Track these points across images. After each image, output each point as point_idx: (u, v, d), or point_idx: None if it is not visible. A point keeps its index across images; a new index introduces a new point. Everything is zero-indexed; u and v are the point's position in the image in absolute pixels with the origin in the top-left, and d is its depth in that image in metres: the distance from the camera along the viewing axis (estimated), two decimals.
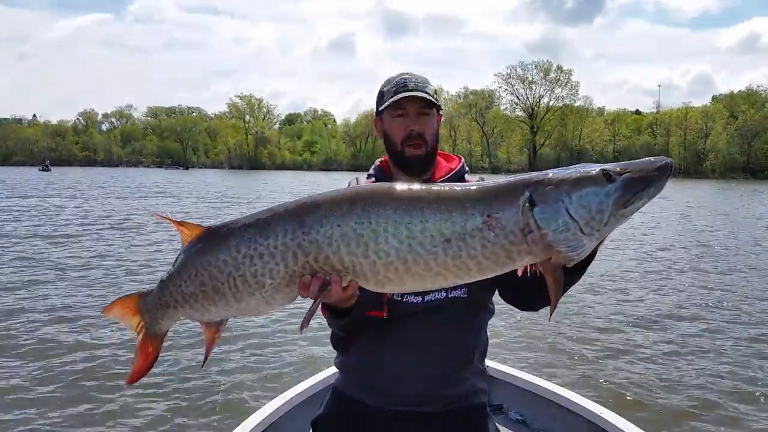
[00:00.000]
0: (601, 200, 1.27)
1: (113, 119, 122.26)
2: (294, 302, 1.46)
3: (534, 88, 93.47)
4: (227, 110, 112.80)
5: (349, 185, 1.84)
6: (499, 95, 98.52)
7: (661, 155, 1.35)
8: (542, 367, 6.06)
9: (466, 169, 2.03)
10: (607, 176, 1.28)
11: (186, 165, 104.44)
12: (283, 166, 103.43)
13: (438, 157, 2.00)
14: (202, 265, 1.45)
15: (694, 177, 74.81)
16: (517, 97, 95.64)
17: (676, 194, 36.79)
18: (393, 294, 1.78)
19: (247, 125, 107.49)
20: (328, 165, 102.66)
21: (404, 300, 1.83)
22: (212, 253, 1.44)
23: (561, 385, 3.27)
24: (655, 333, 7.39)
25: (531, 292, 1.69)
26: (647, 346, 6.86)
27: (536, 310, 1.85)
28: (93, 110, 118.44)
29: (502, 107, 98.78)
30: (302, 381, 3.38)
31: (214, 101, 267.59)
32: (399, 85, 1.88)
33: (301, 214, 1.39)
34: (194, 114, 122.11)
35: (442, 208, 1.32)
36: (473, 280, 1.40)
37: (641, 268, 11.79)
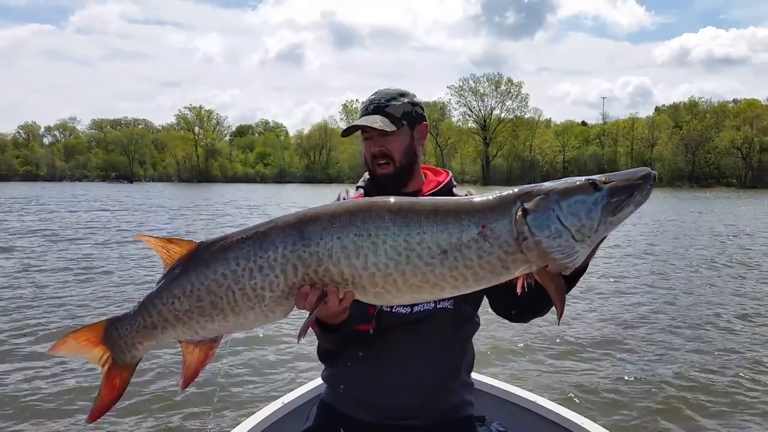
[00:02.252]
0: (590, 208, 1.33)
1: (56, 132, 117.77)
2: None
3: (486, 100, 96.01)
4: (176, 122, 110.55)
5: (339, 197, 2.03)
6: (451, 107, 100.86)
7: (643, 166, 1.42)
8: (523, 377, 6.01)
9: (454, 183, 2.06)
10: (593, 185, 1.35)
11: (131, 178, 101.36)
12: (234, 179, 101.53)
13: (425, 171, 2.08)
14: (199, 280, 1.41)
15: None
16: (470, 109, 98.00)
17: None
18: (382, 306, 1.80)
19: (196, 137, 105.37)
20: (282, 177, 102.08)
21: (393, 311, 1.86)
22: (210, 267, 1.41)
23: (542, 395, 3.22)
24: (630, 339, 7.40)
25: (523, 303, 1.72)
26: (625, 351, 6.89)
27: (526, 321, 1.92)
28: (34, 123, 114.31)
29: (454, 119, 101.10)
30: (285, 394, 3.33)
31: (160, 113, 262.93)
32: (362, 109, 1.97)
33: (300, 226, 1.40)
34: (140, 126, 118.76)
35: (439, 220, 1.36)
36: (470, 291, 1.43)
37: (607, 276, 11.70)
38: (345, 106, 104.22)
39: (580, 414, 3.00)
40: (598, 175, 1.39)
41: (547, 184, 1.39)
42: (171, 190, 64.98)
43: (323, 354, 2.00)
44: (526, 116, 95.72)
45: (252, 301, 1.41)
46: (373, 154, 1.93)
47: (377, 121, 1.88)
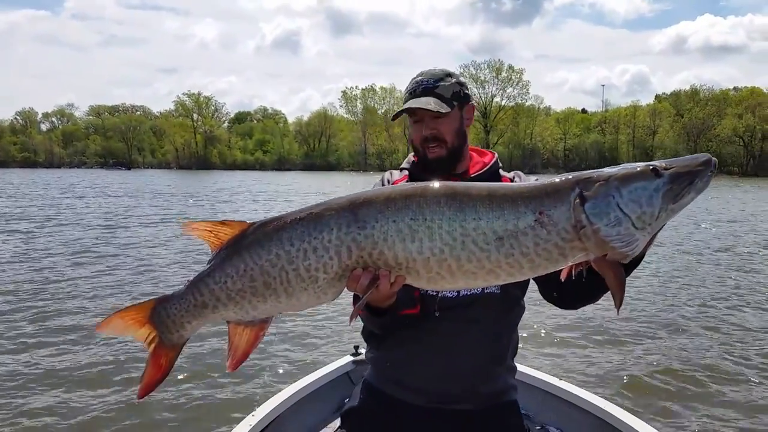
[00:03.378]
0: (651, 194, 1.29)
1: (53, 119, 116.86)
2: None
3: (486, 87, 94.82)
4: (174, 108, 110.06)
5: (383, 179, 2.04)
6: None
7: (703, 153, 1.38)
8: (545, 362, 5.96)
9: (500, 164, 2.03)
10: (654, 171, 1.31)
11: (129, 165, 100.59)
12: (234, 166, 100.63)
13: (471, 152, 2.05)
14: (253, 260, 1.40)
15: None
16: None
17: None
18: (427, 290, 1.79)
19: (195, 124, 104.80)
20: (281, 164, 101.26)
21: (439, 295, 1.84)
22: (264, 247, 1.40)
23: (565, 380, 3.22)
24: (655, 324, 7.36)
25: (574, 290, 1.67)
26: (652, 338, 6.84)
27: (576, 308, 1.90)
28: (32, 109, 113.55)
29: None
30: (316, 370, 3.38)
31: (156, 99, 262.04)
32: (409, 91, 1.92)
33: (355, 209, 1.39)
34: (139, 113, 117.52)
35: (495, 206, 1.34)
36: (525, 278, 1.45)
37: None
38: (344, 92, 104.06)
39: (602, 398, 2.99)
40: (658, 161, 1.36)
41: (607, 170, 1.36)
42: (170, 176, 64.77)
43: (368, 336, 2.01)
44: (527, 104, 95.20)
45: (305, 282, 1.40)
46: (425, 137, 1.90)
47: (431, 103, 1.85)
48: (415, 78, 1.94)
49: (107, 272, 10.11)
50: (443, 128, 1.89)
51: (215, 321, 1.49)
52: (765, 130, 79.64)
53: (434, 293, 1.83)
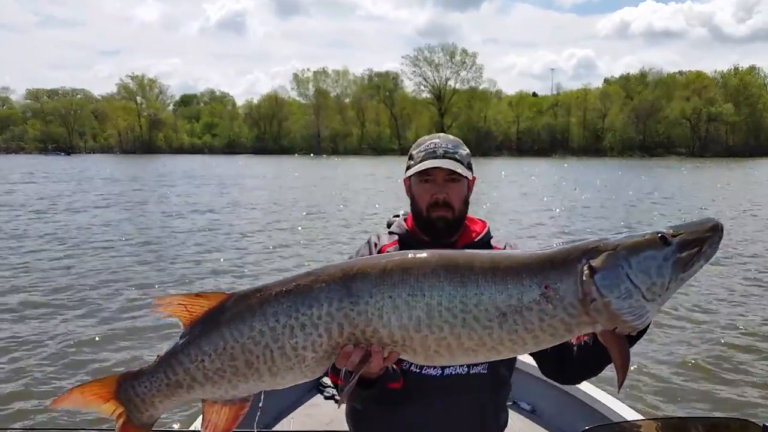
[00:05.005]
0: (660, 264, 1.26)
1: None
2: None
3: (440, 70, 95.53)
4: (116, 91, 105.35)
5: (369, 243, 1.98)
6: (405, 77, 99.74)
7: (710, 217, 1.34)
8: None
9: (491, 234, 2.01)
10: (663, 239, 1.28)
11: (68, 150, 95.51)
12: (181, 150, 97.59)
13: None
14: (233, 337, 1.31)
15: (594, 156, 78.48)
16: (425, 80, 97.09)
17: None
18: (409, 365, 1.75)
19: (139, 107, 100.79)
20: (232, 148, 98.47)
21: (422, 372, 1.81)
22: (246, 323, 1.31)
23: None
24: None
25: (575, 364, 1.68)
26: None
27: (578, 382, 1.97)
28: None
29: (409, 90, 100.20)
30: None
31: (98, 82, 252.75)
32: (428, 151, 1.89)
33: (347, 282, 1.31)
34: (79, 96, 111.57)
35: (498, 279, 1.29)
36: (527, 353, 1.41)
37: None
38: (296, 75, 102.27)
39: (606, 393, 2.99)
40: (664, 228, 1.31)
41: (613, 239, 1.31)
42: (113, 161, 62.17)
43: (354, 418, 1.95)
44: (480, 87, 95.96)
45: (291, 361, 1.31)
46: (436, 201, 1.86)
47: (459, 167, 1.85)
48: (431, 141, 1.93)
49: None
50: (454, 194, 1.87)
51: (196, 398, 1.37)
52: (711, 113, 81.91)
53: (417, 369, 1.79)
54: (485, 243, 1.95)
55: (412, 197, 1.92)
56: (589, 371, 1.71)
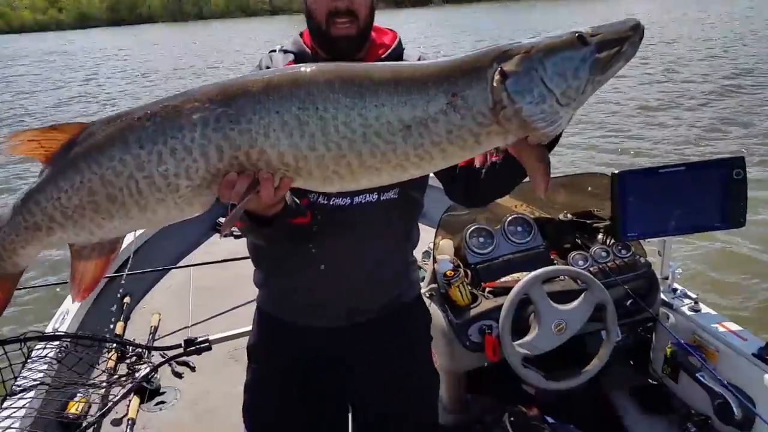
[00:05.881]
0: (577, 66, 1.17)
1: None
2: None
3: None
4: None
5: (260, 65, 1.68)
6: None
7: (630, 17, 1.25)
8: None
9: (403, 46, 1.72)
10: (581, 39, 1.18)
11: None
12: (24, 29, 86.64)
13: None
14: (90, 169, 1.17)
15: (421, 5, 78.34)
16: None
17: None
18: (317, 197, 1.60)
19: None
20: (83, 23, 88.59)
21: (330, 203, 1.63)
22: (104, 153, 1.16)
23: None
24: None
25: (486, 182, 1.52)
26: None
27: (487, 203, 1.81)
28: None
29: None
30: None
31: None
32: None
33: (226, 99, 1.15)
34: None
35: (400, 90, 1.17)
36: (435, 170, 1.34)
37: None
38: None
39: None
40: (583, 27, 1.20)
41: (527, 41, 1.20)
42: None
43: (257, 257, 1.80)
44: None
45: (162, 191, 1.16)
46: (335, 10, 1.52)
47: None
48: None
49: None
50: (358, 0, 1.53)
51: (56, 245, 1.26)
52: None
53: (324, 201, 1.62)
54: (398, 57, 1.70)
55: (306, 7, 1.60)
56: (499, 190, 1.63)
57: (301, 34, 1.69)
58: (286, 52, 1.67)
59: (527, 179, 1.33)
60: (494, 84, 1.14)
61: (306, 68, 1.19)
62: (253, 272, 1.87)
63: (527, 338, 2.17)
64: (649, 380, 2.60)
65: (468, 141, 1.18)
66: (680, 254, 4.82)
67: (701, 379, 2.20)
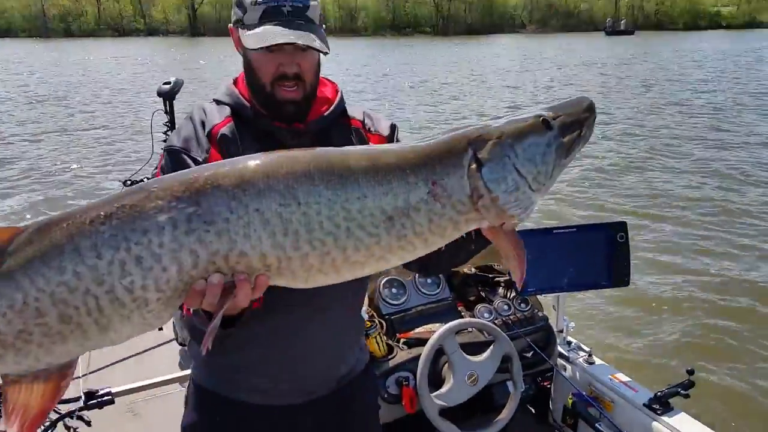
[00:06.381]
0: (544, 150, 1.18)
1: None
2: None
3: None
4: None
5: (191, 119, 1.49)
6: None
7: (582, 95, 1.30)
8: None
9: (344, 101, 1.61)
10: (545, 123, 1.20)
11: None
12: None
13: None
14: (35, 285, 0.96)
15: (350, 35, 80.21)
16: None
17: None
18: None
19: None
20: None
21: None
22: (51, 265, 0.96)
23: None
24: None
25: (442, 255, 1.36)
26: None
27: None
28: None
29: None
30: None
31: None
32: (269, 8, 1.37)
33: (193, 195, 1.02)
34: None
35: (381, 179, 1.10)
36: (415, 258, 1.22)
37: None
38: None
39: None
40: (542, 108, 1.23)
41: (495, 125, 1.19)
42: None
43: (195, 332, 1.61)
44: None
45: (127, 307, 0.99)
46: (282, 74, 1.41)
47: (315, 39, 1.38)
48: None
49: None
50: (306, 65, 1.43)
51: None
52: None
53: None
54: (342, 113, 1.59)
55: (248, 64, 1.46)
56: (459, 262, 1.58)
57: (235, 82, 1.55)
58: (219, 103, 1.52)
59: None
60: (470, 173, 1.13)
61: (281, 158, 1.11)
62: (187, 344, 1.70)
63: (443, 389, 2.28)
64: (554, 430, 2.79)
65: (447, 228, 1.16)
66: (573, 309, 5.05)
67: (599, 428, 2.40)
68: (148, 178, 4.82)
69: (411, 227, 1.12)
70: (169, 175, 1.08)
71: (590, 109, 1.24)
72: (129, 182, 4.80)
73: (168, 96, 4.81)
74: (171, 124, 5.03)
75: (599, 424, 2.41)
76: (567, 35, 72.80)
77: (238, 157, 1.16)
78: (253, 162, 1.09)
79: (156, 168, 1.52)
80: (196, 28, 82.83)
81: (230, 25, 1.49)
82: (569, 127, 1.21)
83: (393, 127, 1.62)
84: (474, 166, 1.13)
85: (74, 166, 11.12)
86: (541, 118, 1.19)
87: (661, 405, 2.30)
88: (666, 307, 5.48)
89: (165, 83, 4.81)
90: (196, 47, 55.29)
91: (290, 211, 1.04)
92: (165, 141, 5.08)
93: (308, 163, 1.09)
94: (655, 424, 2.29)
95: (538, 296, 2.76)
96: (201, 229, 1.01)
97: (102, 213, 0.99)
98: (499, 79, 25.50)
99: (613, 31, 73.08)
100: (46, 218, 1.01)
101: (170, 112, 4.98)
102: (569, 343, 2.79)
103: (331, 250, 1.08)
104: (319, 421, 1.67)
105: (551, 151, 1.18)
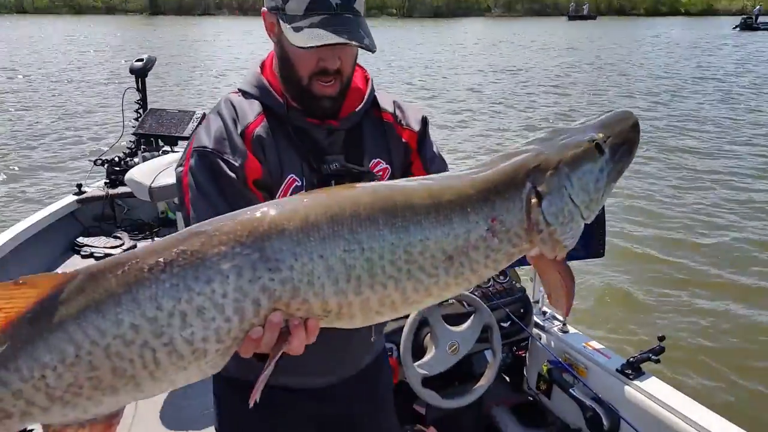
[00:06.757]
0: (597, 177, 1.14)
1: None
2: None
3: None
4: None
5: (220, 114, 1.39)
6: None
7: (625, 110, 1.23)
8: None
9: (375, 89, 1.54)
10: (598, 148, 1.14)
11: None
12: None
13: None
14: (89, 338, 0.90)
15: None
16: None
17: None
18: None
19: None
20: None
21: None
22: (107, 316, 0.91)
23: None
24: None
25: None
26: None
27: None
28: None
29: None
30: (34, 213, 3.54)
31: None
32: (317, 2, 1.28)
33: (257, 240, 0.96)
34: None
35: (442, 218, 1.06)
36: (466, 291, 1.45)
37: None
38: None
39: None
40: (592, 128, 1.16)
41: (553, 152, 1.12)
42: None
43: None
44: None
45: (185, 359, 0.94)
46: (323, 70, 1.34)
47: (365, 36, 1.31)
48: None
49: None
50: (347, 59, 1.36)
51: (36, 423, 0.95)
52: None
53: None
54: (372, 105, 1.54)
55: (284, 55, 1.38)
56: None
57: (262, 67, 1.46)
58: (246, 95, 1.44)
59: None
60: (530, 206, 1.09)
61: (339, 197, 1.05)
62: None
63: (425, 359, 2.35)
64: (528, 397, 2.90)
65: (502, 263, 1.13)
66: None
67: (573, 393, 2.50)
68: (119, 157, 4.78)
69: (468, 265, 1.09)
70: (227, 216, 1.01)
71: (636, 126, 1.20)
72: (99, 161, 4.75)
73: (140, 73, 4.73)
74: (143, 102, 4.96)
75: (573, 390, 2.51)
76: (531, 19, 73.54)
77: (296, 196, 1.14)
78: (316, 203, 1.04)
79: (179, 166, 1.41)
80: (156, 5, 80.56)
81: (264, 9, 1.38)
82: (619, 148, 1.16)
83: (424, 122, 1.57)
84: (535, 200, 1.09)
85: (37, 144, 10.79)
86: (595, 143, 1.14)
87: (633, 370, 2.41)
88: (638, 278, 5.70)
89: (138, 60, 4.72)
90: (157, 25, 53.87)
91: (354, 257, 1.00)
92: (138, 119, 5.00)
93: (371, 205, 1.04)
94: (627, 388, 2.40)
95: (515, 268, 2.84)
96: (266, 277, 0.96)
97: (161, 259, 0.93)
98: (462, 61, 26.07)
99: (576, 16, 73.95)
100: (99, 264, 0.95)
101: (142, 89, 4.91)
102: (544, 313, 2.89)
103: (391, 293, 1.05)
104: (349, 394, 1.67)
105: (603, 177, 1.14)
